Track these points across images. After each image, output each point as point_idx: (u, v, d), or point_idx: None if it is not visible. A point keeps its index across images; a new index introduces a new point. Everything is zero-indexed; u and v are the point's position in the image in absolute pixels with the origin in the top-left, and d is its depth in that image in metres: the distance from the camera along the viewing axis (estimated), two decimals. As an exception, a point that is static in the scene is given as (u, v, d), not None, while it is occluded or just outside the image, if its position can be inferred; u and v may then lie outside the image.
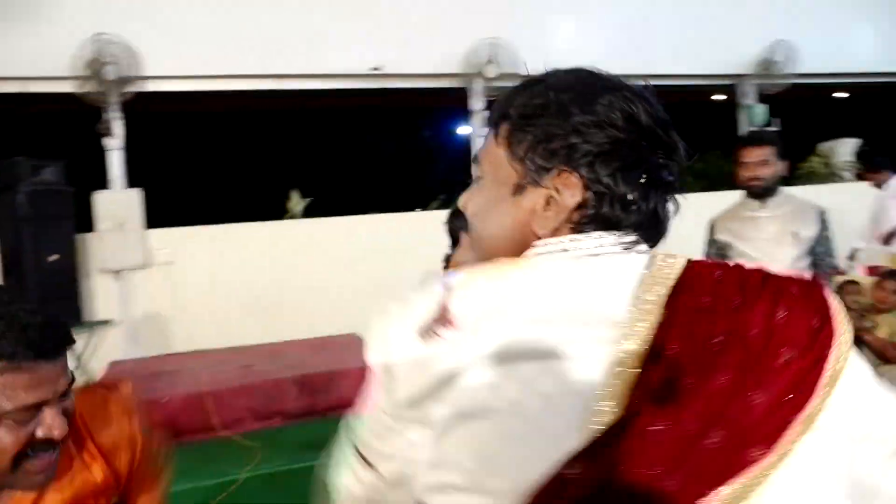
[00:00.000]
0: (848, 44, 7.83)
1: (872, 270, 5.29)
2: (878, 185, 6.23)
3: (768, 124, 7.70)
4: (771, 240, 2.89)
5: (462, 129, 13.54)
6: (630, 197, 0.73)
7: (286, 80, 6.38)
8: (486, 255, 0.79)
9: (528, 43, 6.36)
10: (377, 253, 6.46)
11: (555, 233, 0.74)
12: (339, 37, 6.24)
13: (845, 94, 9.66)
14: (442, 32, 6.41)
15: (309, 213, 8.02)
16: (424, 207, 8.56)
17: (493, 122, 0.81)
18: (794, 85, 7.62)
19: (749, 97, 7.67)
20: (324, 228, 6.73)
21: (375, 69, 6.32)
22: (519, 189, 0.76)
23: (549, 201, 0.74)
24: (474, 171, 0.85)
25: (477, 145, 6.79)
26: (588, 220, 0.73)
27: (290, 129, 9.90)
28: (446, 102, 7.85)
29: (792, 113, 7.76)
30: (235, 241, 6.24)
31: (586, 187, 0.73)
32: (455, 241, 2.65)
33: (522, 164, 0.76)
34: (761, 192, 2.99)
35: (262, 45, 6.04)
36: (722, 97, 8.60)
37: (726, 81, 7.74)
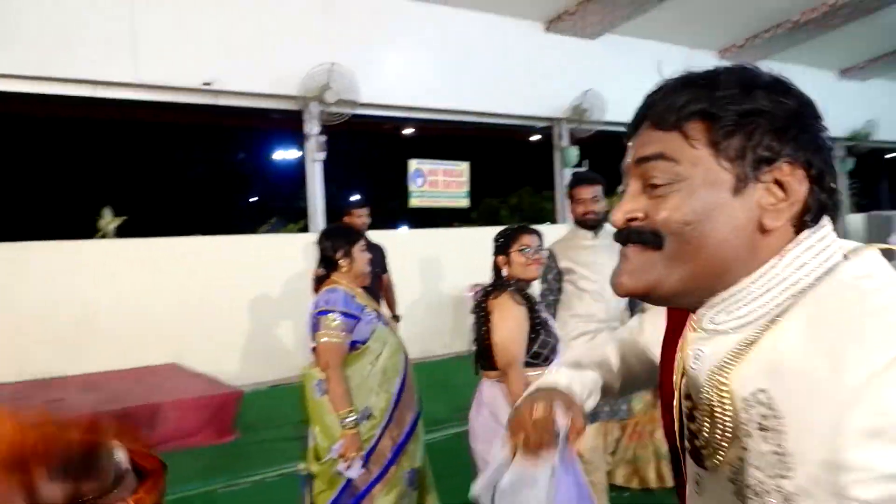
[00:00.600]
0: (640, 96, 8.87)
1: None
2: None
3: (579, 164, 8.48)
4: (605, 266, 3.22)
5: (292, 154, 13.40)
6: (833, 185, 0.76)
7: (102, 88, 5.82)
8: (710, 261, 0.76)
9: (362, 71, 6.50)
10: (199, 276, 6.15)
11: (784, 224, 0.75)
12: (167, 47, 5.90)
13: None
14: (280, 53, 6.34)
15: (123, 232, 7.45)
16: (254, 230, 8.29)
17: (673, 126, 0.78)
18: (600, 131, 8.52)
19: (564, 139, 8.39)
20: (140, 249, 6.26)
21: (206, 84, 6.07)
22: (739, 188, 0.75)
23: (780, 193, 0.74)
24: (632, 183, 0.82)
25: (313, 169, 6.74)
26: (814, 208, 0.75)
27: (107, 141, 9.14)
28: (279, 125, 7.71)
29: (598, 155, 8.61)
30: (39, 260, 5.61)
31: (811, 178, 0.75)
32: (328, 263, 2.65)
33: (736, 162, 0.75)
34: (594, 225, 3.34)
35: (80, 48, 5.56)
36: (538, 137, 9.33)
37: (544, 123, 8.41)
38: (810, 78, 10.38)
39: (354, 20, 6.72)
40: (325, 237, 2.66)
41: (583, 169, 8.50)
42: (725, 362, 0.76)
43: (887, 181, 13.48)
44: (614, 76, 8.39)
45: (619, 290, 0.83)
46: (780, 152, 0.74)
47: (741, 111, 0.74)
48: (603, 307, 3.29)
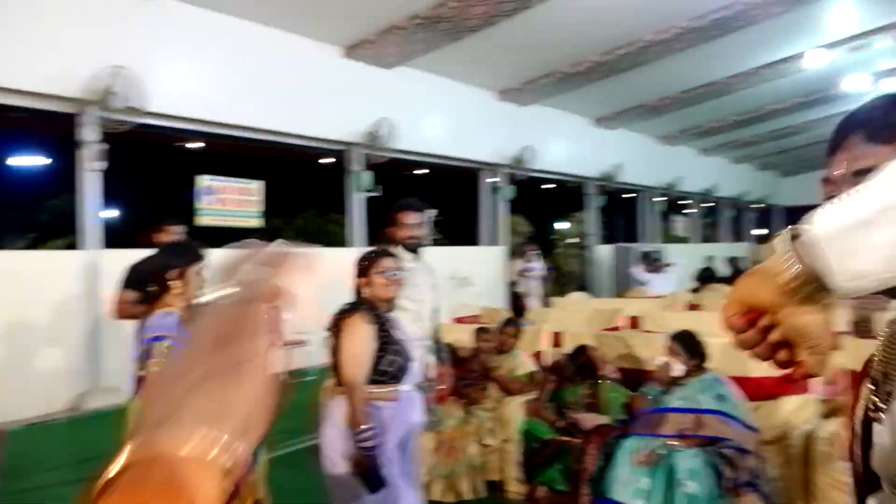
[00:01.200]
0: (429, 128, 9.36)
1: (461, 320, 6.32)
2: None
3: (372, 189, 8.67)
4: (424, 287, 3.37)
5: (39, 160, 11.86)
6: None
7: None
8: None
9: (151, 77, 6.04)
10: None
11: None
12: None
13: (426, 171, 11.47)
14: (58, 49, 5.65)
15: None
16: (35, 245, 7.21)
17: (887, 140, 0.90)
18: (393, 158, 8.80)
19: (358, 164, 8.52)
20: None
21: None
22: None
23: None
24: (850, 183, 0.87)
25: (88, 180, 6.07)
26: None
27: None
28: (51, 129, 6.85)
29: (390, 181, 8.87)
30: None
31: None
32: (159, 282, 2.44)
33: None
34: (415, 248, 3.48)
35: None
36: (330, 160, 9.36)
37: (339, 147, 8.47)
38: (571, 122, 11.75)
39: (143, 24, 6.23)
40: (160, 254, 2.46)
41: (377, 193, 8.71)
42: None
43: (624, 218, 15.58)
44: (408, 106, 8.74)
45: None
46: None
47: None
48: (420, 327, 3.43)
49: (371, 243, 8.06)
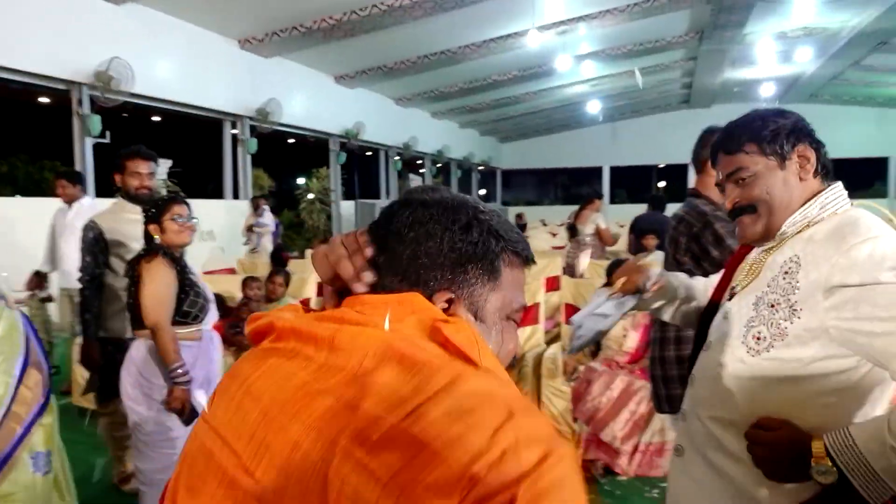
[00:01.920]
0: (165, 72, 8.77)
1: (211, 272, 6.20)
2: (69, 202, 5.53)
3: (102, 135, 7.90)
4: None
5: None
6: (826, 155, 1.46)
7: None
8: (776, 206, 1.40)
9: None
10: None
11: (811, 178, 1.41)
12: None
13: (159, 119, 10.69)
14: None
15: None
16: None
17: (736, 148, 1.44)
18: (126, 103, 8.09)
19: (85, 107, 7.70)
20: None
21: None
22: (781, 166, 1.40)
23: (805, 162, 1.40)
24: (730, 183, 1.46)
25: None
26: (820, 168, 1.42)
27: None
28: None
29: (122, 128, 8.16)
30: None
31: (815, 151, 1.42)
32: None
33: (775, 154, 1.40)
34: (146, 200, 3.37)
35: None
36: (47, 101, 8.30)
37: (60, 86, 7.56)
38: (313, 78, 11.80)
39: None
40: None
41: (105, 140, 7.98)
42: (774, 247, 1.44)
43: (365, 175, 16.16)
44: (142, 47, 8.08)
45: (748, 242, 1.49)
46: (798, 143, 1.40)
47: (769, 131, 1.42)
48: None
49: (99, 195, 7.40)
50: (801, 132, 1.42)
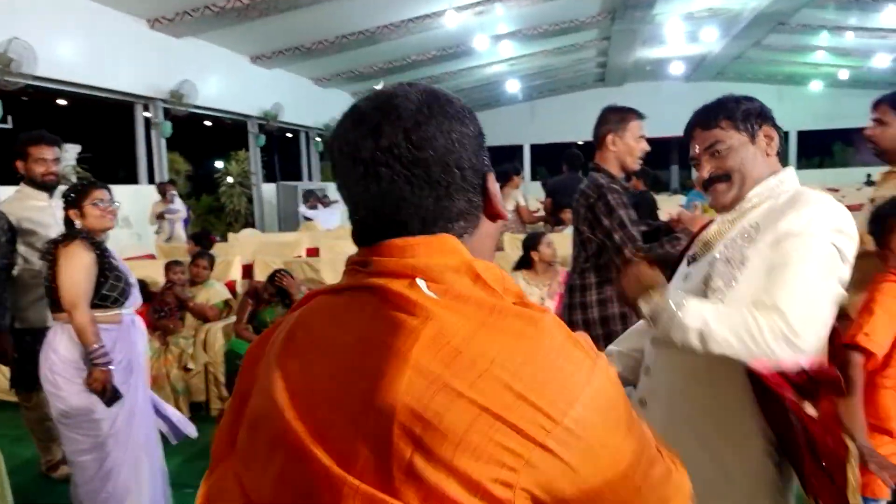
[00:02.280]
0: (69, 54, 8.41)
1: (130, 259, 6.07)
2: None
3: (3, 120, 7.53)
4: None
5: None
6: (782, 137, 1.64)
7: None
8: (747, 176, 1.58)
9: None
10: None
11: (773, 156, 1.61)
12: None
13: (65, 102, 10.22)
14: None
15: None
16: None
17: (713, 125, 1.60)
18: (28, 86, 7.72)
19: (-17, 90, 7.30)
20: None
21: None
22: (752, 141, 1.58)
23: (769, 141, 1.59)
24: (706, 155, 1.62)
25: None
26: (780, 148, 1.62)
27: None
28: None
29: (27, 114, 7.80)
30: None
31: (776, 131, 1.61)
32: None
33: (747, 131, 1.58)
34: (53, 186, 3.35)
35: None
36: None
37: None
38: (228, 59, 11.53)
39: None
40: None
41: (8, 126, 7.61)
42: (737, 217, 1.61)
43: (286, 157, 15.93)
44: (45, 29, 7.72)
45: (720, 209, 1.63)
46: (763, 123, 1.57)
47: (741, 110, 1.60)
48: None
49: (2, 182, 7.08)
50: (766, 115, 1.62)
